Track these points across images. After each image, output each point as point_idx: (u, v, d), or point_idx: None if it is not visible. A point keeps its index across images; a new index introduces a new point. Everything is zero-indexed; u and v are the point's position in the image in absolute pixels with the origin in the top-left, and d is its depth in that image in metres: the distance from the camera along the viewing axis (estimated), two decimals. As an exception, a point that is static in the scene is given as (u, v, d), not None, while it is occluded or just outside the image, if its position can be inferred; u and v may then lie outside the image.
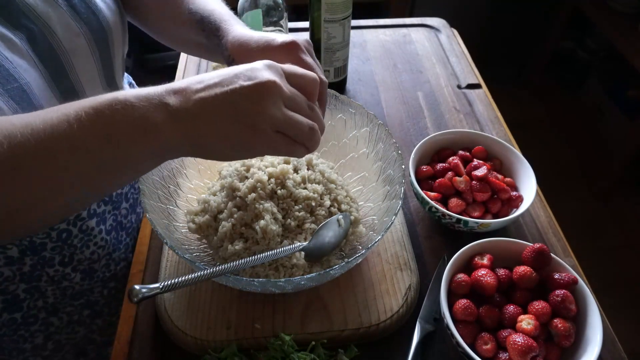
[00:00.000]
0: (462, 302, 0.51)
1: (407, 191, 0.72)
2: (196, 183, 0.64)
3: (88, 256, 0.62)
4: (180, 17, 0.59)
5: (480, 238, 0.57)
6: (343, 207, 0.60)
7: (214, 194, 0.61)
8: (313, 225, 0.58)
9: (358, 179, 0.67)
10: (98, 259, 0.64)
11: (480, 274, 0.53)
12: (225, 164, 0.65)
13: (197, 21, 0.57)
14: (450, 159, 0.67)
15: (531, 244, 0.55)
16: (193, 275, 0.44)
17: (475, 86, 0.94)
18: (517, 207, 0.64)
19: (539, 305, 0.50)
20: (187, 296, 0.57)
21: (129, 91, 0.37)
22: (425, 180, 0.67)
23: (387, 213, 0.56)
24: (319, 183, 0.60)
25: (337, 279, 0.58)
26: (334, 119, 0.66)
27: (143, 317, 0.58)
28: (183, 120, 0.37)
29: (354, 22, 1.06)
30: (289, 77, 0.41)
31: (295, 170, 0.61)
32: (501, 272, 0.54)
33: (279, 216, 0.57)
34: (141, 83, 0.79)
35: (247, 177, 0.59)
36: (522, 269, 0.53)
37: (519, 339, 0.47)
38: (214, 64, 0.92)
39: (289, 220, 0.57)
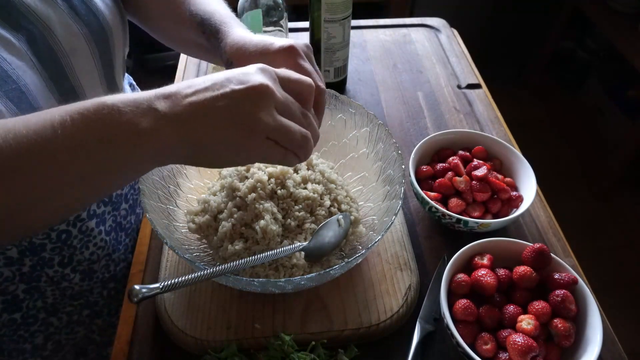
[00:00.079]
0: (462, 302, 0.51)
1: (407, 191, 0.72)
2: (196, 183, 0.64)
3: (87, 257, 0.62)
4: (181, 18, 0.58)
5: (480, 238, 0.57)
6: (343, 207, 0.60)
7: (214, 194, 0.61)
8: (313, 225, 0.58)
9: (358, 179, 0.67)
10: (97, 260, 0.64)
11: (480, 274, 0.53)
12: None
13: (198, 23, 0.56)
14: (450, 159, 0.67)
15: (531, 244, 0.55)
16: (193, 275, 0.44)
17: (475, 86, 0.94)
18: (517, 207, 0.64)
19: (539, 305, 0.50)
20: (187, 296, 0.57)
21: (118, 96, 0.36)
22: (425, 180, 0.67)
23: (387, 213, 0.56)
24: (319, 183, 0.60)
25: (337, 279, 0.58)
26: (334, 119, 0.66)
27: (143, 317, 0.58)
28: (172, 126, 0.36)
29: (354, 22, 1.06)
30: (283, 82, 0.40)
31: (295, 170, 0.61)
32: (501, 272, 0.54)
33: (279, 216, 0.57)
34: (141, 83, 0.79)
35: (247, 177, 0.59)
36: (522, 269, 0.53)
37: (519, 339, 0.47)
38: (213, 65, 0.92)
39: (289, 220, 0.57)
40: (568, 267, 0.54)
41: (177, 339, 0.54)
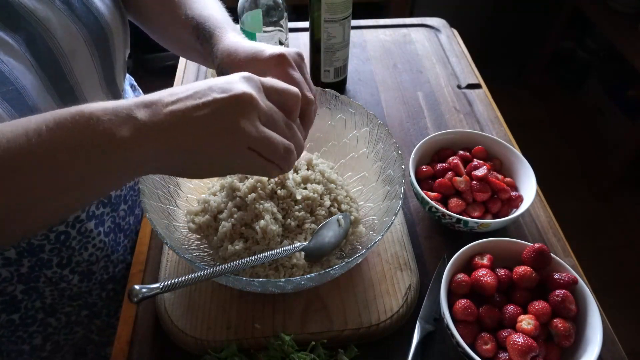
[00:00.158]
0: (462, 302, 0.51)
1: (407, 191, 0.72)
2: (196, 183, 0.64)
3: (86, 258, 0.62)
4: (178, 21, 0.58)
5: (480, 238, 0.57)
6: (343, 207, 0.60)
7: (214, 194, 0.61)
8: (313, 225, 0.58)
9: (358, 179, 0.67)
10: (96, 261, 0.64)
11: (480, 274, 0.53)
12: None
13: (193, 27, 0.56)
14: (450, 159, 0.67)
15: (531, 244, 0.55)
16: (193, 275, 0.44)
17: (475, 86, 0.94)
18: (517, 207, 0.64)
19: (539, 305, 0.50)
20: (187, 296, 0.57)
21: (97, 104, 0.35)
22: (425, 180, 0.67)
23: (387, 213, 0.56)
24: (319, 183, 0.60)
25: (337, 279, 0.58)
26: (334, 119, 0.66)
27: (143, 318, 0.58)
28: (151, 135, 0.35)
29: (354, 22, 1.06)
30: (269, 91, 0.39)
31: (295, 170, 0.61)
32: (501, 272, 0.54)
33: (279, 216, 0.57)
34: (141, 83, 0.79)
35: (247, 177, 0.59)
36: (522, 269, 0.53)
37: (519, 339, 0.47)
38: (211, 69, 0.92)
39: (289, 220, 0.57)
40: (568, 267, 0.54)
41: (177, 339, 0.54)
